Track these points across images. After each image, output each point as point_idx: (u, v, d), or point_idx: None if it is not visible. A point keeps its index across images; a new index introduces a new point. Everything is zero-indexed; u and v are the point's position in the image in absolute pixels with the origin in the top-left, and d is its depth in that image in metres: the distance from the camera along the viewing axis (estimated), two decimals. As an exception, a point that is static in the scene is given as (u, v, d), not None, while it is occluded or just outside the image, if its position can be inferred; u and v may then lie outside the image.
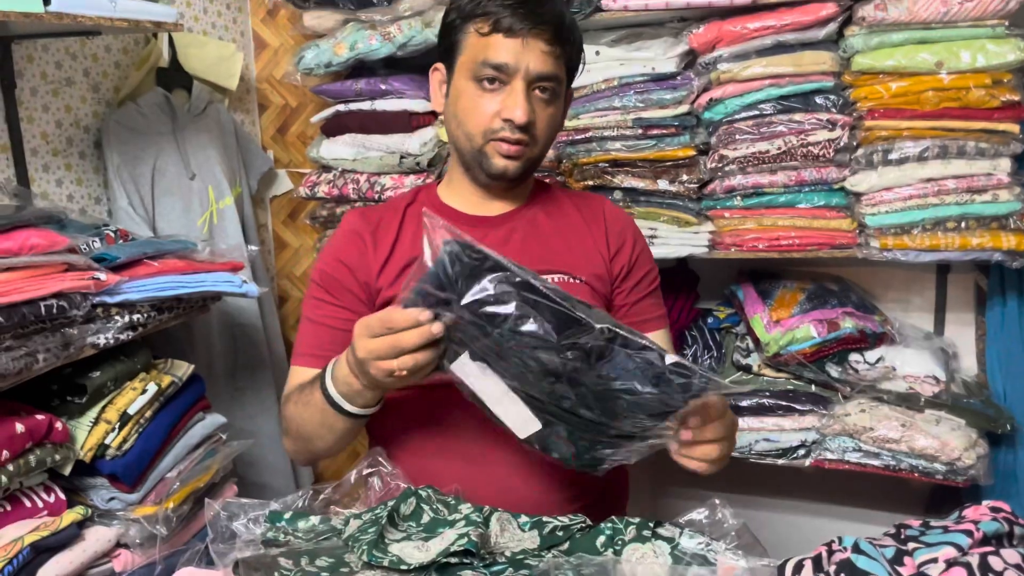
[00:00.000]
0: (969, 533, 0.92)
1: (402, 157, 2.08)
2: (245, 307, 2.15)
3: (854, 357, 1.97)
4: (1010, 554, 0.88)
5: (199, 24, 2.23)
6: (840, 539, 0.97)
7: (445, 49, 1.28)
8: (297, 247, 2.55)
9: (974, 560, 0.86)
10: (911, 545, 0.94)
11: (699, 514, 1.10)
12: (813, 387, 2.00)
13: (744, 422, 2.01)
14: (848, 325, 1.95)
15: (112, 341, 1.45)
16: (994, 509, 0.98)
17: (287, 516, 1.17)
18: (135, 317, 1.49)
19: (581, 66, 1.32)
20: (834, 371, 1.97)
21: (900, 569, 0.89)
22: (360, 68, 2.15)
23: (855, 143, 1.82)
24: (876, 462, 1.93)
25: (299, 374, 1.26)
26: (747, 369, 2.06)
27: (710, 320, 2.17)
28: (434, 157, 2.09)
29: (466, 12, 1.22)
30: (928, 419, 1.90)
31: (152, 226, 1.95)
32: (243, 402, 2.16)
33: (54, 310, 1.33)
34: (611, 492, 1.36)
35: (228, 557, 1.12)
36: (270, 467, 2.22)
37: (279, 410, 2.24)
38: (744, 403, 2.00)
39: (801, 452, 2.00)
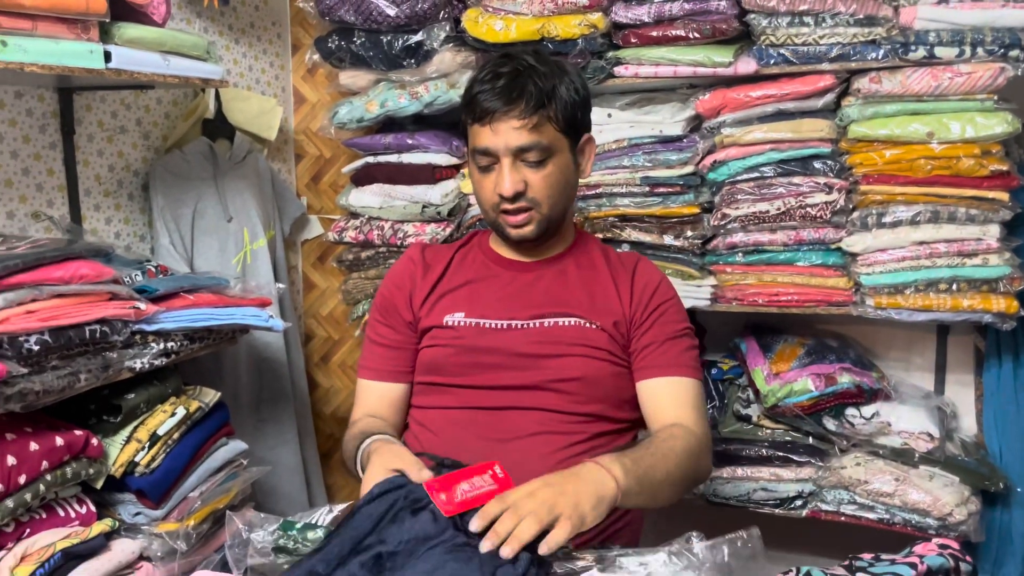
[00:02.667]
0: (913, 566, 0.99)
1: (424, 207, 2.22)
2: (272, 343, 2.28)
3: (850, 411, 2.03)
4: (946, 585, 0.95)
5: (244, 80, 2.41)
6: (796, 569, 1.05)
7: (463, 137, 1.42)
8: (324, 288, 2.69)
9: (911, 590, 0.93)
10: (859, 575, 1.01)
11: (674, 544, 1.18)
12: (810, 439, 2.06)
13: (742, 471, 2.08)
14: (845, 380, 2.02)
15: (147, 366, 1.58)
16: (942, 546, 1.05)
17: (298, 526, 1.28)
18: (169, 345, 1.62)
19: (579, 114, 1.40)
20: (831, 424, 2.04)
21: (846, 596, 0.97)
22: (389, 124, 2.31)
23: (851, 206, 1.92)
24: (871, 515, 1.98)
25: (362, 386, 1.51)
26: (747, 419, 2.13)
27: (714, 371, 2.25)
28: (454, 207, 2.23)
29: (464, 104, 1.38)
30: (922, 475, 1.95)
31: (190, 263, 2.10)
32: (264, 433, 2.27)
33: (97, 335, 1.46)
34: (624, 528, 1.42)
35: (242, 563, 1.22)
36: (286, 497, 2.32)
37: (299, 442, 2.36)
38: (743, 453, 2.07)
39: (798, 503, 2.06)
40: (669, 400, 1.38)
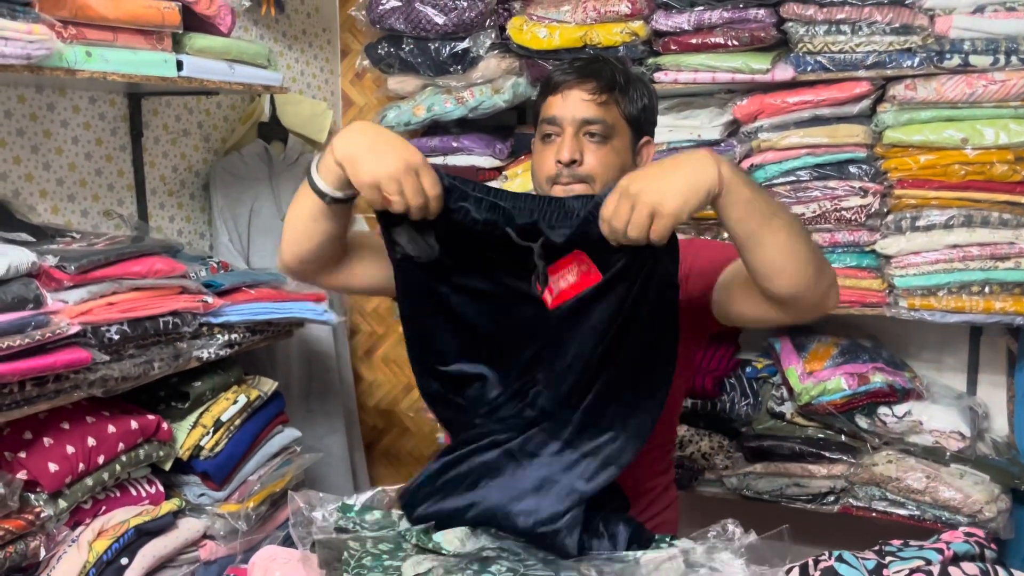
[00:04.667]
0: (940, 551, 1.06)
1: (469, 207, 2.29)
2: (321, 338, 2.38)
3: (883, 410, 2.08)
4: (969, 566, 1.01)
5: (296, 84, 2.51)
6: (829, 552, 1.12)
7: (535, 124, 1.46)
8: (369, 285, 2.79)
9: (936, 569, 0.99)
10: (888, 559, 1.08)
11: (712, 530, 1.25)
12: (843, 437, 2.11)
13: (775, 467, 2.14)
14: (878, 379, 2.07)
15: (213, 356, 1.68)
16: (968, 534, 1.11)
17: (356, 508, 1.37)
18: (233, 336, 1.73)
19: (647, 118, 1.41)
20: (863, 422, 2.09)
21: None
22: (435, 127, 2.39)
23: (885, 210, 1.97)
24: (902, 511, 2.03)
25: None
26: (780, 417, 2.19)
27: (748, 370, 2.31)
28: (498, 208, 2.30)
29: (540, 89, 1.40)
30: (953, 472, 1.99)
31: (247, 260, 2.21)
32: (313, 423, 2.37)
33: (170, 326, 1.57)
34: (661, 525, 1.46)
35: (307, 540, 1.32)
36: (334, 485, 2.43)
37: (346, 432, 2.46)
38: (777, 449, 2.13)
39: (830, 498, 2.11)
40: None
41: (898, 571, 1.02)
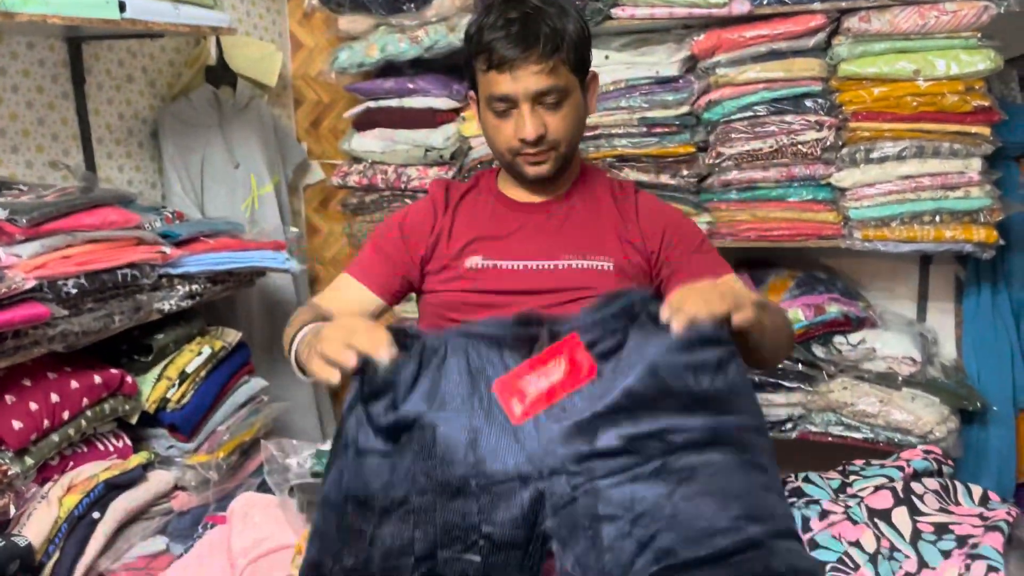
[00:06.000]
0: (901, 468, 1.11)
1: (427, 150, 2.27)
2: (282, 286, 2.35)
3: (838, 339, 2.14)
4: (930, 481, 1.06)
5: (242, 26, 2.43)
6: (795, 475, 1.16)
7: (469, 79, 1.46)
8: (328, 233, 2.75)
9: (899, 485, 1.04)
10: (852, 478, 1.13)
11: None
12: (800, 366, 2.17)
13: (737, 398, 2.19)
14: (833, 310, 2.12)
15: (175, 307, 1.65)
16: (926, 452, 1.16)
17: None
18: (194, 287, 1.70)
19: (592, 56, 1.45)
20: (820, 352, 2.15)
21: (841, 496, 1.08)
22: (389, 68, 2.34)
23: (840, 143, 2.00)
24: (857, 435, 2.11)
25: (344, 281, 1.48)
26: (740, 349, 2.24)
27: (708, 305, 2.34)
28: (456, 151, 2.28)
29: (471, 50, 1.40)
30: (904, 396, 2.07)
31: (201, 210, 2.16)
32: (279, 372, 2.34)
33: (128, 278, 1.53)
34: None
35: (283, 486, 1.32)
36: (302, 433, 2.42)
37: (311, 381, 2.46)
38: (737, 380, 2.18)
39: (788, 425, 2.18)
40: None
41: (862, 488, 1.07)
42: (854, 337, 2.15)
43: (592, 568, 0.91)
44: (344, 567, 0.98)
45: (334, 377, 1.03)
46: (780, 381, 2.16)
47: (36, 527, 1.42)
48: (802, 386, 2.15)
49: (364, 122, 2.36)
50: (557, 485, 0.98)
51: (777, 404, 2.17)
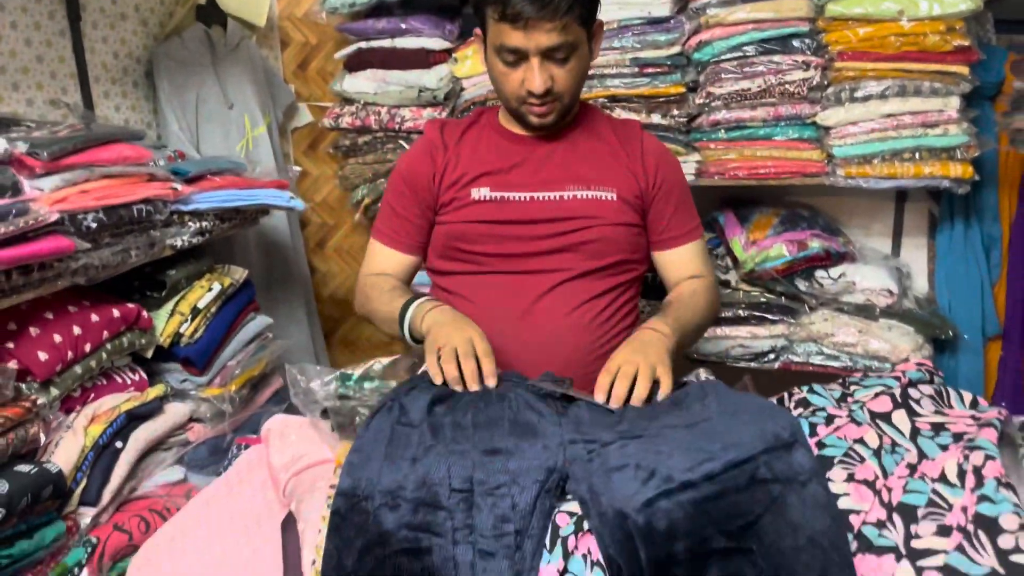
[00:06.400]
0: (897, 378, 1.20)
1: (420, 91, 2.29)
2: (278, 227, 2.38)
3: (820, 273, 2.24)
4: (925, 388, 1.16)
5: (229, -36, 2.40)
6: (800, 387, 1.25)
7: (479, 20, 1.48)
8: (317, 175, 2.77)
9: (897, 391, 1.13)
10: (852, 388, 1.21)
11: (685, 379, 1.37)
12: (783, 299, 2.27)
13: (721, 331, 2.29)
14: (815, 245, 2.21)
15: (187, 244, 1.68)
16: (919, 364, 1.25)
17: (355, 377, 1.43)
18: (203, 224, 1.72)
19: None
20: (802, 285, 2.25)
21: (843, 404, 1.17)
22: (380, 8, 2.34)
23: (826, 82, 2.06)
24: (836, 363, 2.22)
25: (378, 248, 1.61)
26: (726, 284, 2.33)
27: (694, 242, 2.42)
28: (449, 92, 2.31)
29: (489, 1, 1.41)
30: (882, 326, 2.19)
31: (197, 150, 2.16)
32: (277, 312, 2.39)
33: (143, 214, 1.55)
34: None
35: (311, 407, 1.38)
36: (298, 373, 2.47)
37: (309, 321, 2.50)
38: (724, 315, 2.28)
39: (771, 356, 2.29)
40: (686, 263, 1.58)
41: (862, 396, 1.16)
42: (835, 271, 2.25)
43: (603, 493, 1.00)
44: (381, 490, 1.04)
45: (453, 382, 1.26)
46: (764, 315, 2.26)
47: (64, 455, 1.46)
48: (785, 319, 2.25)
49: (356, 63, 2.37)
50: (574, 449, 1.09)
51: (761, 337, 2.27)
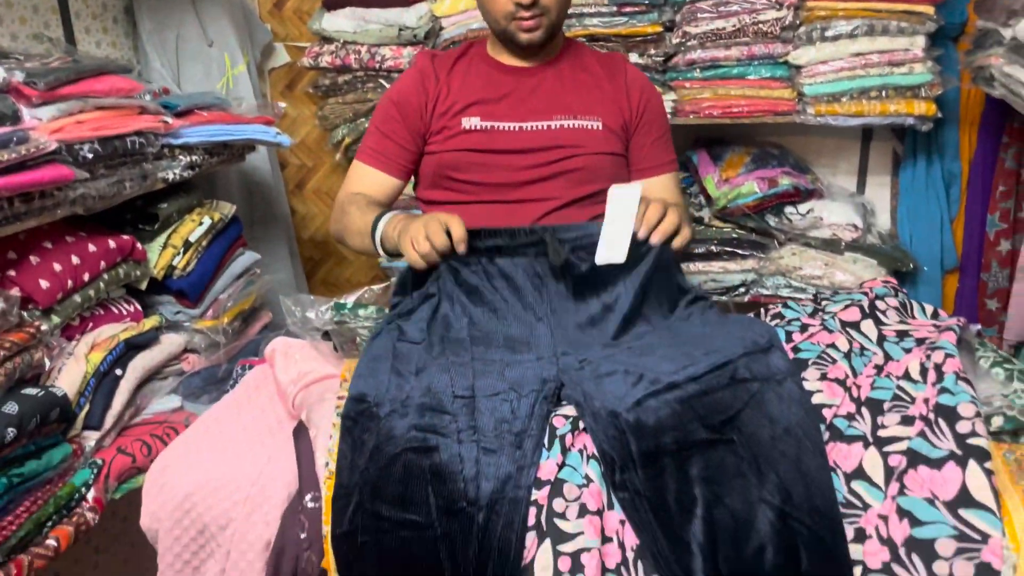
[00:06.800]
0: (865, 294, 1.29)
1: (400, 30, 2.31)
2: (259, 167, 2.40)
3: (789, 209, 2.33)
4: (891, 300, 1.25)
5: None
6: (774, 304, 1.33)
7: None
8: (295, 116, 2.78)
9: (865, 303, 1.22)
10: (823, 303, 1.30)
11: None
12: (754, 235, 2.36)
13: (694, 267, 2.38)
14: (785, 182, 2.30)
15: (178, 177, 1.71)
16: (885, 282, 1.35)
17: (350, 304, 1.49)
18: (193, 158, 1.75)
19: None
20: (772, 221, 2.33)
21: (815, 316, 1.26)
22: (359, -55, 2.34)
23: (798, 22, 2.13)
24: (803, 296, 2.31)
25: (361, 169, 1.62)
26: (699, 221, 2.41)
27: (669, 181, 2.49)
28: (429, 31, 2.33)
29: None
30: (847, 259, 2.29)
31: (178, 87, 2.17)
32: (260, 251, 2.41)
33: (136, 145, 1.58)
34: None
35: (310, 333, 1.44)
36: (280, 312, 2.52)
37: (292, 261, 2.53)
38: (696, 250, 2.36)
39: (741, 290, 2.38)
40: (660, 192, 1.64)
41: (833, 308, 1.25)
42: (803, 207, 2.34)
43: (595, 397, 1.08)
44: (389, 398, 1.11)
45: (429, 256, 1.28)
46: (736, 250, 2.35)
47: (67, 380, 1.50)
48: (755, 253, 2.34)
49: (334, 1, 2.37)
50: (566, 360, 1.16)
51: (732, 271, 2.36)
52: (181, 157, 1.72)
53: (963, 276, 2.38)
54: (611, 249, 1.30)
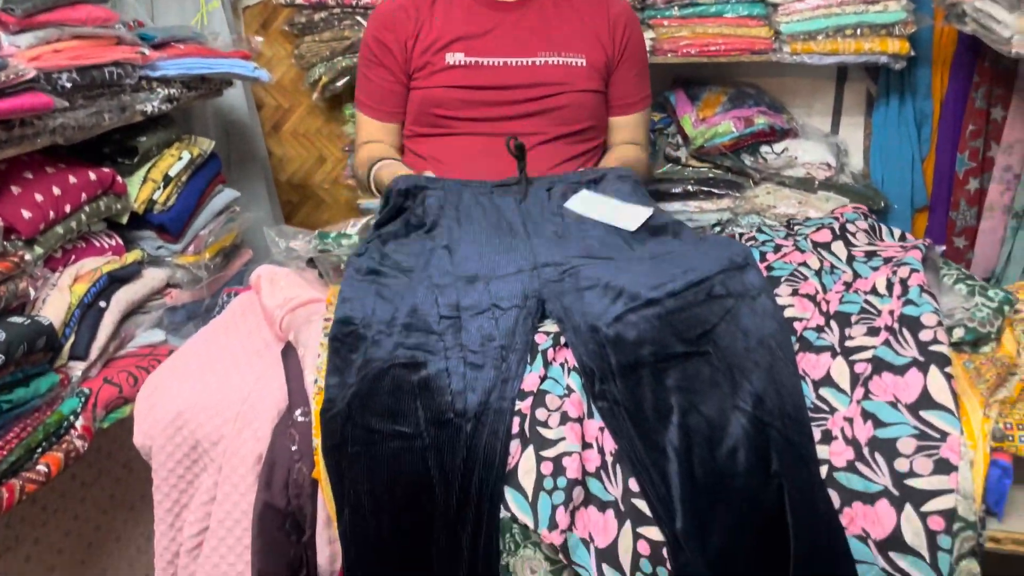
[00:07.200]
0: (835, 218, 1.33)
1: (378, -34, 2.28)
2: (236, 106, 2.38)
3: (764, 149, 2.36)
4: (861, 224, 1.29)
5: None
6: (748, 228, 1.37)
7: None
8: (270, 56, 2.74)
9: (836, 226, 1.27)
10: (796, 228, 1.35)
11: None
12: (729, 175, 2.39)
13: (671, 206, 2.41)
14: (761, 121, 2.33)
15: (156, 110, 1.70)
16: (855, 207, 1.39)
17: (333, 235, 1.51)
18: (171, 91, 1.74)
19: None
20: (747, 160, 2.37)
21: (788, 237, 1.30)
22: None
23: (776, -42, 2.14)
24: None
25: (362, 118, 1.70)
26: (676, 161, 2.44)
27: (646, 122, 2.51)
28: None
29: None
30: (820, 198, 2.33)
31: (152, 20, 2.14)
32: (240, 189, 2.41)
33: (114, 76, 1.57)
34: None
35: (295, 263, 1.46)
36: (263, 251, 2.52)
37: (270, 202, 2.53)
38: (672, 190, 2.39)
39: (717, 228, 2.42)
40: (631, 129, 1.70)
41: (806, 231, 1.29)
42: (778, 147, 2.38)
43: (576, 311, 1.12)
44: (376, 320, 1.14)
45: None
46: (711, 189, 2.38)
47: (52, 311, 1.51)
48: (730, 193, 2.38)
49: (310, -64, 2.34)
50: (546, 272, 1.19)
51: (708, 210, 2.40)
52: (159, 90, 1.71)
53: (932, 214, 2.44)
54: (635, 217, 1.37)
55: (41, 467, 1.39)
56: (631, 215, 1.35)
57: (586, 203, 1.39)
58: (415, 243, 1.31)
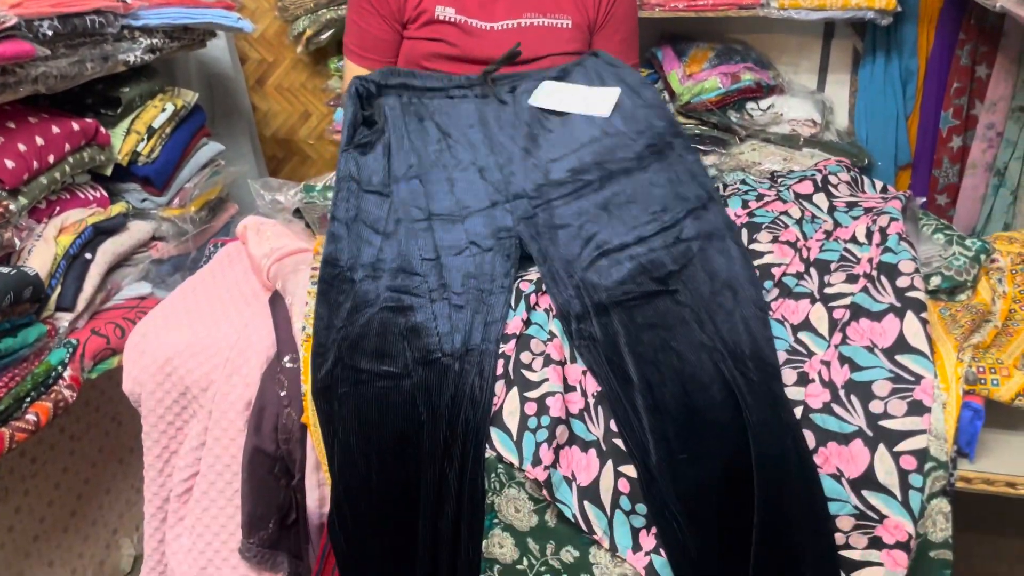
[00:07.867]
0: (819, 170, 1.34)
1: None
2: (220, 58, 2.36)
3: (750, 105, 2.37)
4: (843, 175, 1.31)
5: None
6: (731, 181, 1.38)
7: None
8: (254, 9, 2.71)
9: (818, 178, 1.28)
10: (779, 179, 1.36)
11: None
12: (715, 131, 2.40)
13: (658, 162, 2.42)
14: (747, 78, 2.33)
15: (138, 60, 1.68)
16: (838, 160, 1.40)
17: (319, 187, 1.51)
18: (154, 41, 1.72)
19: None
20: (734, 116, 2.37)
21: (771, 188, 1.31)
22: None
23: (765, -88, 2.12)
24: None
25: (350, 68, 1.69)
26: (663, 117, 2.44)
27: (633, 77, 2.51)
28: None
29: None
30: (804, 155, 2.34)
31: (134, -27, 2.11)
32: (223, 143, 2.40)
33: (96, 24, 1.55)
34: None
35: (280, 214, 1.46)
36: (248, 206, 2.52)
37: (256, 158, 2.52)
38: (659, 146, 2.40)
39: (703, 185, 2.43)
40: None
41: (788, 182, 1.30)
42: (764, 103, 2.38)
43: (552, 256, 1.14)
44: (362, 263, 1.15)
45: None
46: (697, 146, 2.38)
47: (37, 262, 1.51)
48: (716, 149, 2.38)
49: None
50: (520, 206, 1.20)
51: (694, 167, 2.41)
52: (141, 39, 1.69)
53: (915, 172, 2.46)
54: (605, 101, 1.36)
55: (30, 416, 1.40)
56: (601, 99, 1.34)
57: (551, 95, 1.38)
58: (386, 159, 1.33)
